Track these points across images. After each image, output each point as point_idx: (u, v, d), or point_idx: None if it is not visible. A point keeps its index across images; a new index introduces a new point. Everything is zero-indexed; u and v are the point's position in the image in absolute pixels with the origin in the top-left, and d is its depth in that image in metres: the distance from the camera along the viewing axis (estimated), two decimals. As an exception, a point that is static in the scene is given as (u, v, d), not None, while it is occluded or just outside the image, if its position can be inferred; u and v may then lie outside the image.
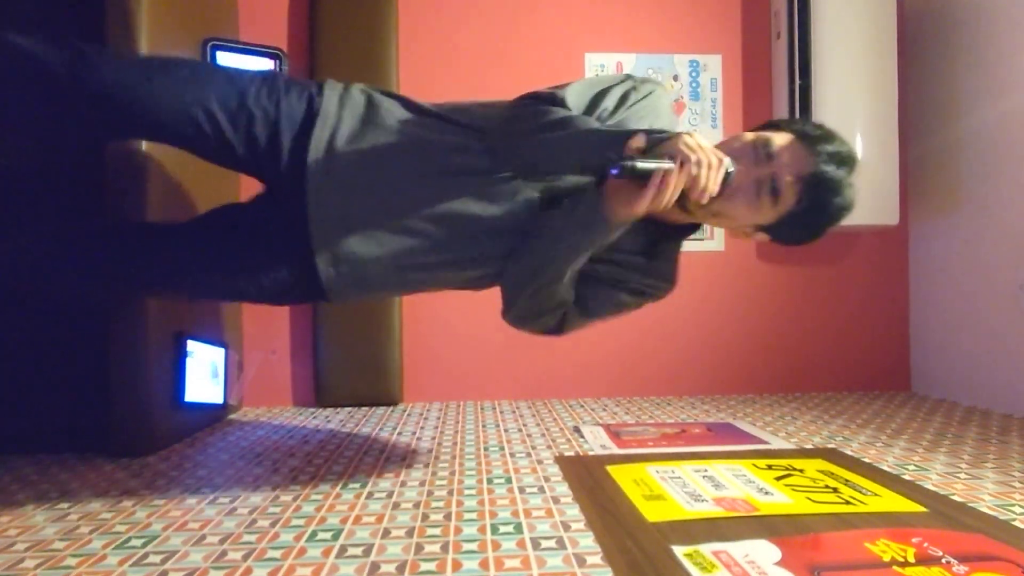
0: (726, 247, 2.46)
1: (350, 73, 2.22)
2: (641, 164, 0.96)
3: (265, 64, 1.94)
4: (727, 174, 1.02)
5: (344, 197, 1.15)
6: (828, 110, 2.22)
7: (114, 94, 1.12)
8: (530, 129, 1.09)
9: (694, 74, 2.45)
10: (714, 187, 0.99)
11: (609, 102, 1.15)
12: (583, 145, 1.05)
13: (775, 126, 1.14)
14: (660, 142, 1.00)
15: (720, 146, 1.11)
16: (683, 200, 1.07)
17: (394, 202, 1.15)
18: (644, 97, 1.18)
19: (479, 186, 1.15)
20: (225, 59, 1.87)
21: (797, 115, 2.27)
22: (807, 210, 1.08)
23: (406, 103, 1.23)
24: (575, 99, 1.14)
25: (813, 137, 1.09)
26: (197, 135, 1.16)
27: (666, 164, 0.97)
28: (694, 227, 1.25)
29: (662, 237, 1.23)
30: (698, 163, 0.96)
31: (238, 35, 2.24)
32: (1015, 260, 2.04)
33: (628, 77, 1.20)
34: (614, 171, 0.96)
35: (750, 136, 1.11)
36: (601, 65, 2.42)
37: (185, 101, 1.13)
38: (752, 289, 2.47)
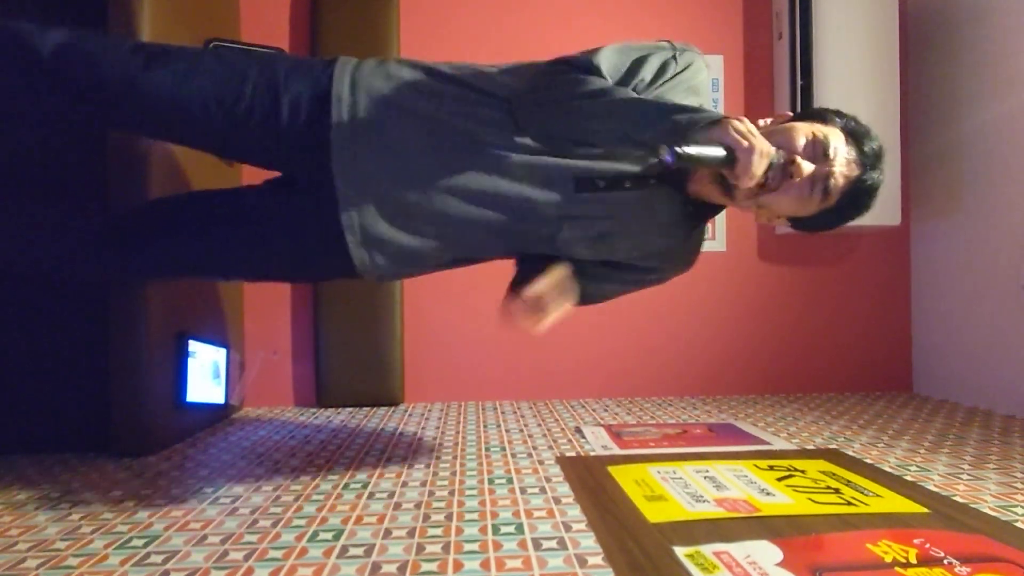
0: (728, 248, 2.46)
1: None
2: (695, 152, 0.94)
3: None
4: (771, 164, 1.00)
5: (367, 177, 1.13)
6: (830, 110, 2.22)
7: (109, 87, 1.11)
8: (564, 97, 1.05)
9: (696, 74, 2.44)
10: (759, 173, 0.97)
11: (647, 72, 1.10)
12: (626, 117, 1.01)
13: (822, 117, 1.11)
14: (708, 123, 0.96)
15: (771, 131, 1.08)
16: (727, 185, 1.06)
17: (416, 179, 1.13)
18: (683, 70, 1.12)
19: (501, 159, 1.12)
20: (227, 59, 1.87)
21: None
22: (844, 207, 1.09)
23: (423, 69, 1.17)
24: (610, 66, 1.09)
25: (859, 135, 1.08)
26: (197, 129, 1.15)
27: (719, 152, 0.95)
28: (721, 207, 1.22)
29: (695, 215, 1.21)
30: (749, 150, 0.94)
31: (240, 35, 2.24)
32: (1017, 261, 2.04)
33: (668, 44, 1.14)
34: (668, 159, 0.93)
35: (806, 130, 1.07)
36: (602, 65, 2.41)
37: (183, 95, 1.11)
38: (753, 290, 2.47)
